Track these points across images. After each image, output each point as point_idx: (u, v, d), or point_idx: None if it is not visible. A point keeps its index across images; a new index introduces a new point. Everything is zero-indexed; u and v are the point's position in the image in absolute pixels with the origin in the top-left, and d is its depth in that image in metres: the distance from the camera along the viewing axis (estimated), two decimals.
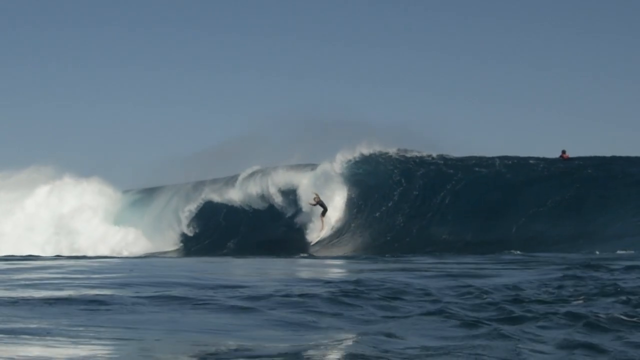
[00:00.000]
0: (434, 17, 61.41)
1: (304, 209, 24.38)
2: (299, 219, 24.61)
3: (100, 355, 3.83)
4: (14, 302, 5.84)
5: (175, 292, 6.65)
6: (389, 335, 4.58)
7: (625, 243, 16.47)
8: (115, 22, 61.07)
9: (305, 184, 25.04)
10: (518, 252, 16.37)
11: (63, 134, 56.79)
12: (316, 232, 23.60)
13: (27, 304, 5.75)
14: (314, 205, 23.43)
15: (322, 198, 23.57)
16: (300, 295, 6.29)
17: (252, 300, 6.08)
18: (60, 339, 4.31)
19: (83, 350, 3.99)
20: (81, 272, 9.69)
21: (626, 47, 57.71)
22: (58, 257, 17.20)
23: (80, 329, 4.68)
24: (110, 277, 8.76)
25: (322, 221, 23.50)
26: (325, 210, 23.39)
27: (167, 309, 5.54)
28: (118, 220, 29.05)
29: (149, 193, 31.11)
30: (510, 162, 24.22)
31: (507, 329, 4.78)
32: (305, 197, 24.36)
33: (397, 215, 23.32)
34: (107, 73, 61.47)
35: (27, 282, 7.73)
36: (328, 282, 7.82)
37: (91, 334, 4.50)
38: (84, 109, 58.63)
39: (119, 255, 19.37)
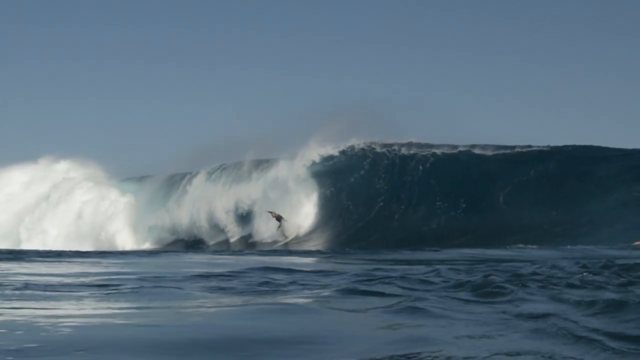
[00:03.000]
0: (421, 12, 62.74)
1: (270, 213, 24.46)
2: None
3: None
4: None
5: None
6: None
7: None
8: (114, 19, 62.35)
9: (268, 190, 25.10)
10: (521, 245, 16.66)
11: (57, 133, 57.24)
12: (282, 238, 23.80)
13: None
14: (279, 226, 23.67)
15: (279, 208, 23.94)
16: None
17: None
18: None
19: None
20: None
21: (616, 44, 59.34)
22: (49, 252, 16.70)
23: None
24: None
25: (284, 231, 23.80)
26: (283, 221, 23.61)
27: None
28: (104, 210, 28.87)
29: (137, 181, 31.23)
30: (492, 150, 24.57)
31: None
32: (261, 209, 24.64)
33: (371, 207, 23.61)
34: (109, 72, 63.29)
35: None
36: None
37: None
38: (82, 107, 59.74)
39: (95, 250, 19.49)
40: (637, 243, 16.55)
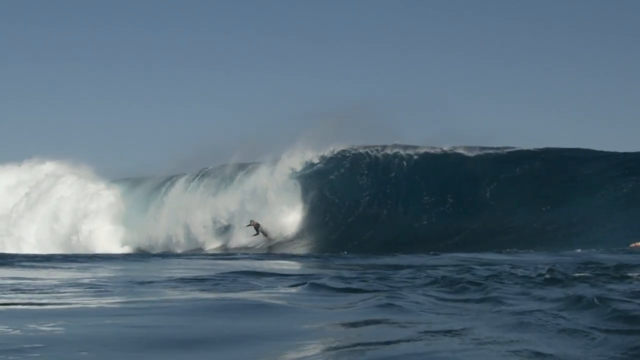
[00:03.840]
0: (413, 13, 63.32)
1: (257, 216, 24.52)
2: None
3: None
4: None
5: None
6: None
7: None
8: (112, 21, 63.14)
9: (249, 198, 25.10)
10: (515, 249, 16.70)
11: (49, 133, 57.96)
12: (266, 242, 23.97)
13: None
14: (256, 233, 23.80)
15: (258, 217, 24.03)
16: None
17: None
18: None
19: None
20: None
21: (609, 46, 60.01)
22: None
23: None
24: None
25: (268, 234, 23.97)
26: (261, 228, 23.82)
27: None
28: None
29: (121, 184, 31.20)
30: (481, 151, 24.74)
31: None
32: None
33: (359, 208, 23.75)
34: (101, 74, 64.57)
35: None
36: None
37: None
38: (72, 110, 61.02)
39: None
40: (633, 245, 16.67)
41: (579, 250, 14.55)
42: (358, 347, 3.49)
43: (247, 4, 65.91)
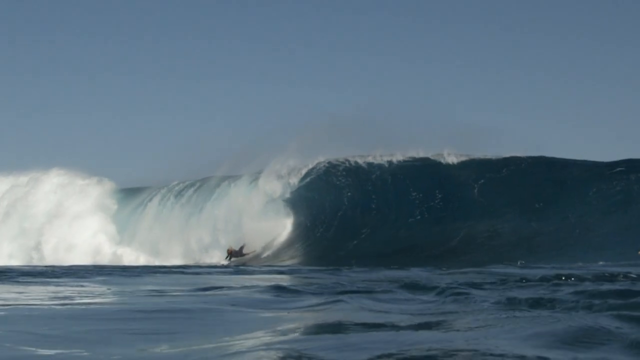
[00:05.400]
0: (400, 22, 63.86)
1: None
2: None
3: None
4: None
5: None
6: None
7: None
8: (117, 30, 64.54)
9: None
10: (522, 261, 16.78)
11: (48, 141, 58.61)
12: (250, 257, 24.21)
13: None
14: (228, 263, 23.98)
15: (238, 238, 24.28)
16: None
17: None
18: None
19: None
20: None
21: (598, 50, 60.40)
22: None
23: None
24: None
25: (248, 250, 24.19)
26: (232, 252, 24.10)
27: None
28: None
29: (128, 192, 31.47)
30: (462, 159, 25.04)
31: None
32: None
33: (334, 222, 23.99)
34: (112, 81, 65.10)
35: None
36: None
37: None
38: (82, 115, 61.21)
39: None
40: None
41: (580, 264, 14.60)
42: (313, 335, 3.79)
43: (244, 16, 66.51)
